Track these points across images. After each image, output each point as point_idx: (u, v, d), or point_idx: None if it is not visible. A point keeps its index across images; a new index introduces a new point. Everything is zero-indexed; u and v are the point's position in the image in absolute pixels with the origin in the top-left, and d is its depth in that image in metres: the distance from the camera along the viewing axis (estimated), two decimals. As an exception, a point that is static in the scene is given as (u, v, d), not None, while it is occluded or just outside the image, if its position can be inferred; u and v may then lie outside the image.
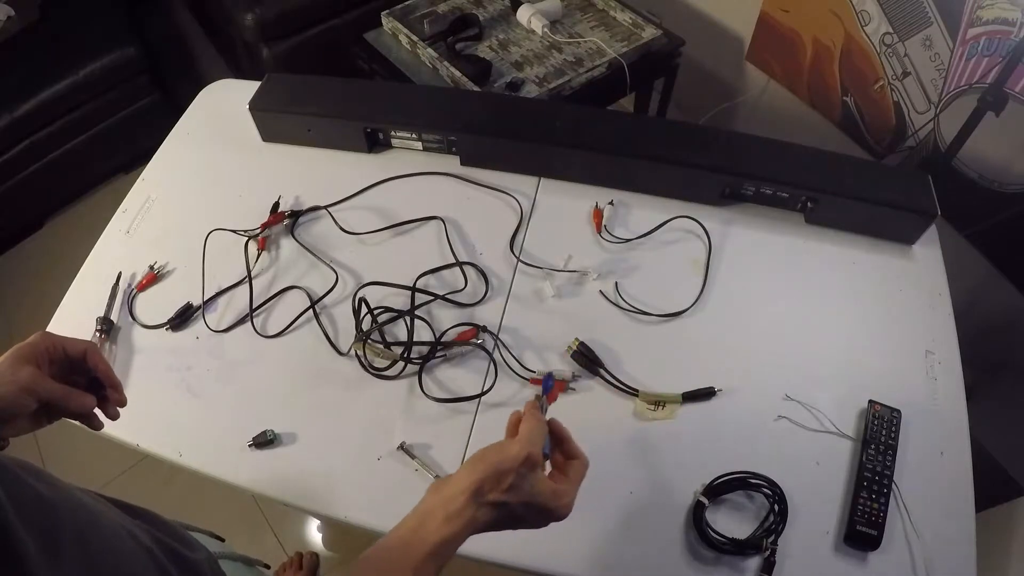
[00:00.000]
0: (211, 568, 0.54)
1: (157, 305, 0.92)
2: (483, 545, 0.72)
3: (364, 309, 0.87)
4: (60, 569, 0.33)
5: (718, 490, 0.74)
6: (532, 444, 0.52)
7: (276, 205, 1.00)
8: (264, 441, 0.79)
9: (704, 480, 0.75)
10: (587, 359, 0.84)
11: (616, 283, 0.92)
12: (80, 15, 2.02)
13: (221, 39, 2.33)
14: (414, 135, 1.05)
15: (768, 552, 0.70)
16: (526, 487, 0.51)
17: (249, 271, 0.93)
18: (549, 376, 0.67)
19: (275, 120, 1.07)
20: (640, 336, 0.88)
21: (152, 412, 0.83)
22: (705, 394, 0.82)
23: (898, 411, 0.80)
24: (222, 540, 0.73)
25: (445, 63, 1.49)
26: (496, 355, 0.85)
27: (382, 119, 1.05)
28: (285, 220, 0.98)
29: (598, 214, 0.99)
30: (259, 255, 0.96)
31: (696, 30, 1.78)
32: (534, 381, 0.83)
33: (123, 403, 0.65)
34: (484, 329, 0.87)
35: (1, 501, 0.31)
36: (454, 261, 0.94)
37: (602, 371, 0.83)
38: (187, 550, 0.51)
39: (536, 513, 0.52)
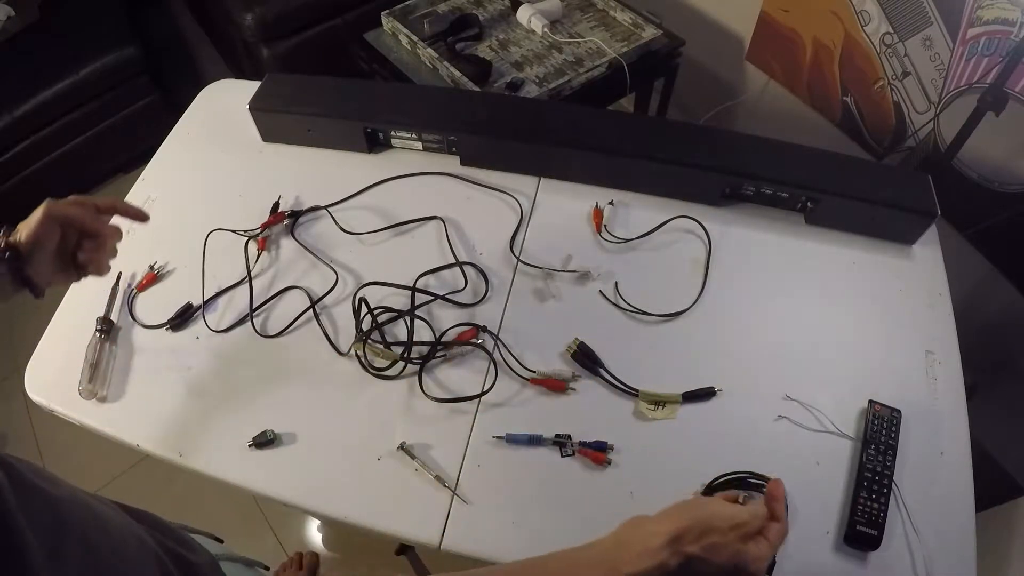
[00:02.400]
0: (213, 571, 0.54)
1: (157, 305, 0.92)
2: (484, 545, 0.73)
3: (364, 309, 0.87)
4: (63, 570, 0.33)
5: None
6: (752, 516, 0.52)
7: (276, 205, 1.00)
8: (264, 441, 0.79)
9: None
10: (587, 359, 0.84)
11: (616, 283, 0.92)
12: (80, 15, 2.02)
13: (221, 39, 2.33)
14: (414, 135, 1.05)
15: (768, 552, 0.70)
16: (728, 552, 0.49)
17: (249, 271, 0.93)
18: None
19: (275, 120, 1.07)
20: (640, 336, 0.88)
21: (152, 412, 0.83)
22: (705, 394, 0.82)
23: (898, 411, 0.80)
24: (221, 541, 0.73)
25: (445, 63, 1.49)
26: (496, 355, 0.85)
27: (382, 119, 1.05)
28: (285, 220, 0.98)
29: (598, 214, 0.99)
30: (259, 255, 0.96)
31: (696, 30, 1.78)
32: (535, 381, 0.83)
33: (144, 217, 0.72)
34: (484, 329, 0.87)
35: (8, 501, 0.32)
36: (454, 261, 0.94)
37: (602, 371, 0.83)
38: (190, 554, 0.52)
39: (720, 569, 0.51)
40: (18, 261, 0.61)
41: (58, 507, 0.36)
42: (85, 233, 0.66)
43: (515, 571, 0.50)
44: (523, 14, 1.63)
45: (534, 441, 0.78)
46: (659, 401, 0.81)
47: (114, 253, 0.70)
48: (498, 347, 0.86)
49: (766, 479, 0.74)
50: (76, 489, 0.41)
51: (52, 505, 0.35)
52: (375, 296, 0.89)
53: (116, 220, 0.70)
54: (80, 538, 0.36)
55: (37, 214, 0.63)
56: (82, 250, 0.66)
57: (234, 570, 0.67)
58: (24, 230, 0.63)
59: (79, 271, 0.68)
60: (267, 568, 0.80)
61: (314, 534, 1.60)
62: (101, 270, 0.69)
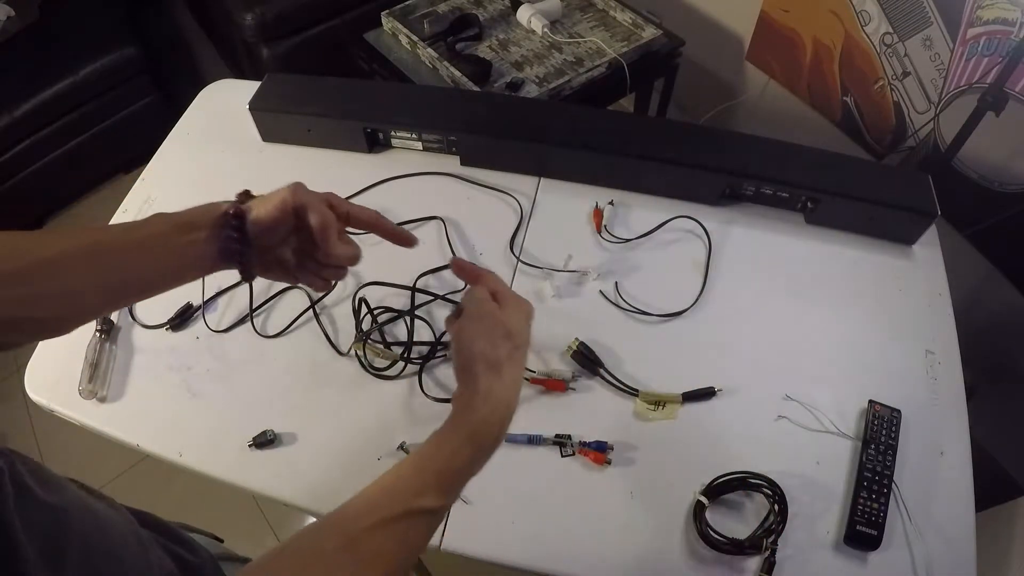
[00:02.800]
0: (213, 571, 0.54)
1: (157, 305, 0.91)
2: (484, 545, 0.73)
3: (364, 309, 0.87)
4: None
5: (718, 490, 0.74)
6: (477, 294, 0.54)
7: (276, 205, 0.99)
8: (264, 441, 0.79)
9: (704, 480, 0.75)
10: (587, 359, 0.84)
11: (616, 283, 0.92)
12: (80, 15, 2.02)
13: (221, 39, 2.33)
14: (414, 135, 1.05)
15: (768, 552, 0.70)
16: (509, 320, 0.53)
17: (249, 271, 0.93)
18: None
19: (275, 120, 1.07)
20: (640, 336, 0.88)
21: (152, 412, 0.83)
22: (705, 394, 0.82)
23: (898, 411, 0.80)
24: (221, 541, 0.73)
25: (445, 63, 1.49)
26: (496, 355, 0.85)
27: (382, 119, 1.05)
28: (285, 220, 0.98)
29: (598, 214, 0.99)
30: (259, 255, 0.96)
31: (696, 30, 1.78)
32: (534, 381, 0.83)
33: (413, 241, 0.62)
34: (484, 329, 0.87)
35: (8, 511, 0.31)
36: (454, 261, 0.94)
37: (602, 371, 0.83)
38: (190, 554, 0.51)
39: (525, 326, 0.55)
40: (240, 232, 0.52)
41: (59, 514, 0.36)
42: (317, 244, 0.56)
43: (384, 478, 0.49)
44: (523, 14, 1.63)
45: (534, 441, 0.78)
46: (659, 401, 0.81)
47: (342, 275, 0.61)
48: (498, 347, 0.86)
49: (766, 479, 0.74)
50: (79, 491, 0.41)
51: (53, 512, 0.35)
52: (375, 296, 0.89)
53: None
54: (80, 546, 0.36)
55: (277, 196, 0.54)
56: (312, 261, 0.58)
57: (234, 570, 0.67)
58: (258, 207, 0.53)
59: (298, 278, 0.59)
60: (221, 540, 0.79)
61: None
62: (316, 286, 0.60)
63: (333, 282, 0.62)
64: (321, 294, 0.91)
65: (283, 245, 0.57)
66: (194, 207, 0.53)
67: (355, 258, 0.58)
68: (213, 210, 0.52)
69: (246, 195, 0.55)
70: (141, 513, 0.52)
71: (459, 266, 0.58)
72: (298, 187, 0.55)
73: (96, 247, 0.48)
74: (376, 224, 0.59)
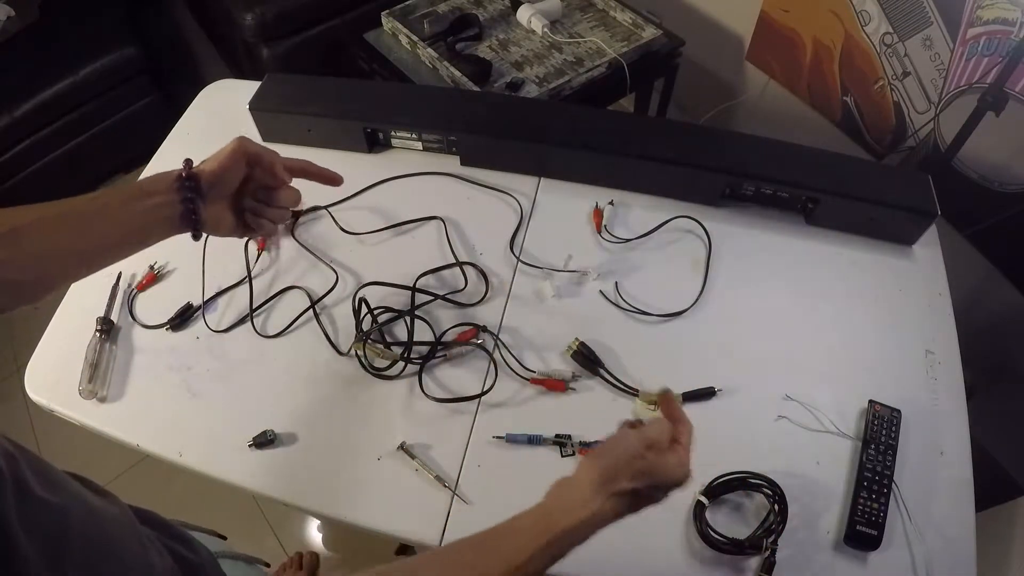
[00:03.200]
0: (213, 570, 0.54)
1: (157, 305, 0.92)
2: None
3: (364, 309, 0.87)
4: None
5: (718, 490, 0.74)
6: (659, 432, 0.53)
7: (276, 205, 1.00)
8: (264, 441, 0.79)
9: (704, 480, 0.75)
10: (587, 359, 0.84)
11: (616, 283, 0.92)
12: (80, 15, 2.02)
13: (221, 39, 2.33)
14: (414, 135, 1.05)
15: (768, 552, 0.70)
16: (654, 471, 0.51)
17: (249, 271, 0.93)
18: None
19: (275, 120, 1.07)
20: (640, 336, 0.88)
21: (152, 412, 0.83)
22: (705, 394, 0.82)
23: (898, 411, 0.80)
24: (224, 538, 0.73)
25: (445, 63, 1.49)
26: (496, 355, 0.85)
27: (382, 119, 1.05)
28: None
29: (598, 214, 0.99)
30: (259, 255, 0.96)
31: (696, 30, 1.78)
32: (534, 381, 0.83)
33: (339, 180, 0.69)
34: (484, 329, 0.87)
35: (8, 511, 0.31)
36: (454, 261, 0.94)
37: (602, 371, 0.83)
38: (189, 552, 0.52)
39: (663, 490, 0.53)
40: (194, 192, 0.59)
41: (60, 513, 0.36)
42: (267, 186, 0.64)
43: (457, 551, 0.50)
44: (523, 14, 1.63)
45: (534, 441, 0.78)
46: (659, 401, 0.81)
47: (286, 217, 0.68)
48: (498, 347, 0.86)
49: (766, 479, 0.74)
50: (81, 489, 0.41)
51: (54, 511, 0.35)
52: (375, 296, 0.89)
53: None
54: (80, 545, 0.36)
55: (227, 148, 0.61)
56: (258, 205, 0.65)
57: (234, 567, 0.67)
58: (210, 163, 0.60)
59: (246, 229, 0.66)
60: (267, 565, 0.80)
61: (314, 534, 1.60)
62: (267, 230, 0.67)
63: (279, 225, 0.69)
64: (322, 294, 0.91)
65: (231, 198, 0.64)
66: (148, 176, 0.60)
67: (298, 199, 0.67)
68: (166, 176, 0.59)
69: (190, 162, 0.61)
70: (142, 511, 0.52)
71: (667, 400, 0.59)
72: (244, 138, 0.62)
73: (64, 215, 0.54)
74: (307, 169, 0.67)
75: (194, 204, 0.59)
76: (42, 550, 0.32)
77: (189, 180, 0.59)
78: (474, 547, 0.49)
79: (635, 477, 0.50)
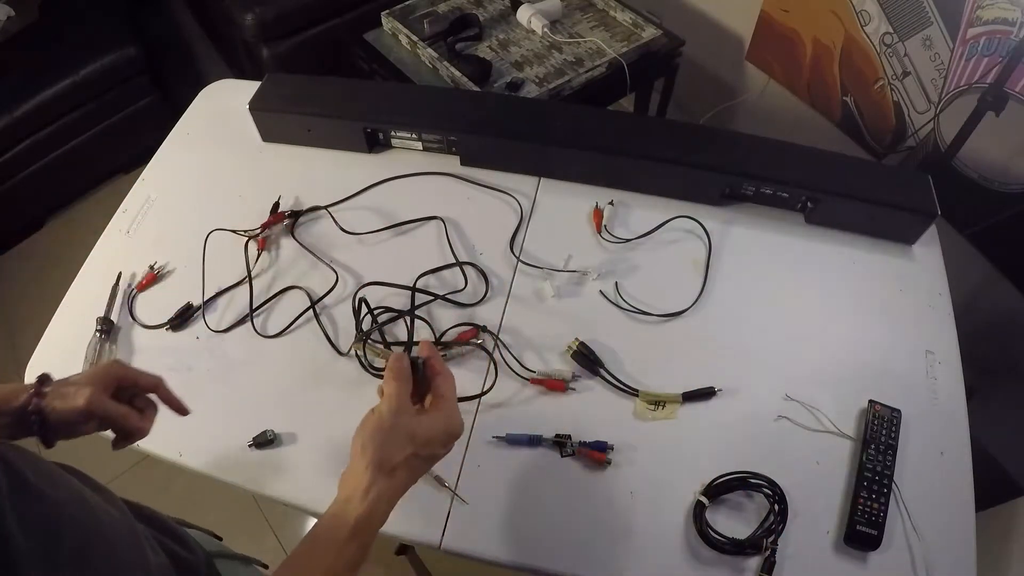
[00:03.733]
0: (208, 569, 0.54)
1: (157, 305, 0.91)
2: (484, 545, 0.73)
3: (364, 309, 0.87)
4: (54, 570, 0.33)
5: (718, 490, 0.74)
6: (393, 398, 0.55)
7: (276, 205, 1.00)
8: (264, 441, 0.79)
9: (704, 480, 0.75)
10: (587, 359, 0.84)
11: (616, 283, 0.92)
12: (80, 15, 2.02)
13: (221, 39, 2.33)
14: (414, 135, 1.05)
15: (768, 552, 0.70)
16: (411, 432, 0.54)
17: (249, 271, 0.93)
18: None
19: (275, 120, 1.07)
20: (640, 336, 0.88)
21: (152, 412, 0.83)
22: (705, 394, 0.82)
23: (898, 411, 0.80)
24: (219, 539, 0.73)
25: (445, 63, 1.49)
26: (496, 355, 0.85)
27: (382, 119, 1.05)
28: (285, 220, 0.98)
29: (598, 214, 0.99)
30: (259, 255, 0.96)
31: (696, 30, 1.78)
32: (534, 381, 0.83)
33: (185, 412, 0.66)
34: (484, 329, 0.87)
35: (2, 505, 0.31)
36: (454, 261, 0.94)
37: (602, 371, 0.83)
38: (185, 551, 0.52)
39: (439, 445, 0.56)
40: (40, 427, 0.55)
41: (55, 507, 0.36)
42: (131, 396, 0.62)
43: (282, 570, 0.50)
44: (523, 14, 1.63)
45: (534, 441, 0.78)
46: (659, 401, 0.81)
47: (142, 435, 0.61)
48: (498, 347, 0.86)
49: (766, 479, 0.74)
50: (77, 484, 0.41)
51: (49, 505, 0.35)
52: (375, 296, 0.89)
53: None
54: (75, 539, 0.36)
55: (79, 397, 0.55)
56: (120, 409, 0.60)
57: (230, 567, 0.67)
58: (59, 404, 0.55)
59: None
60: (266, 566, 0.80)
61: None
62: (118, 445, 0.63)
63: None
64: (322, 294, 0.91)
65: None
66: (4, 386, 0.56)
67: (145, 432, 0.61)
68: (13, 399, 0.54)
69: (44, 380, 0.57)
70: (138, 507, 0.52)
71: (429, 350, 0.61)
72: (93, 396, 0.56)
73: None
74: (158, 389, 0.63)
75: (39, 433, 0.56)
76: (37, 543, 0.32)
77: (36, 414, 0.55)
78: (289, 566, 0.50)
79: (403, 446, 0.53)
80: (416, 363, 0.59)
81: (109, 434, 0.61)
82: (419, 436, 0.54)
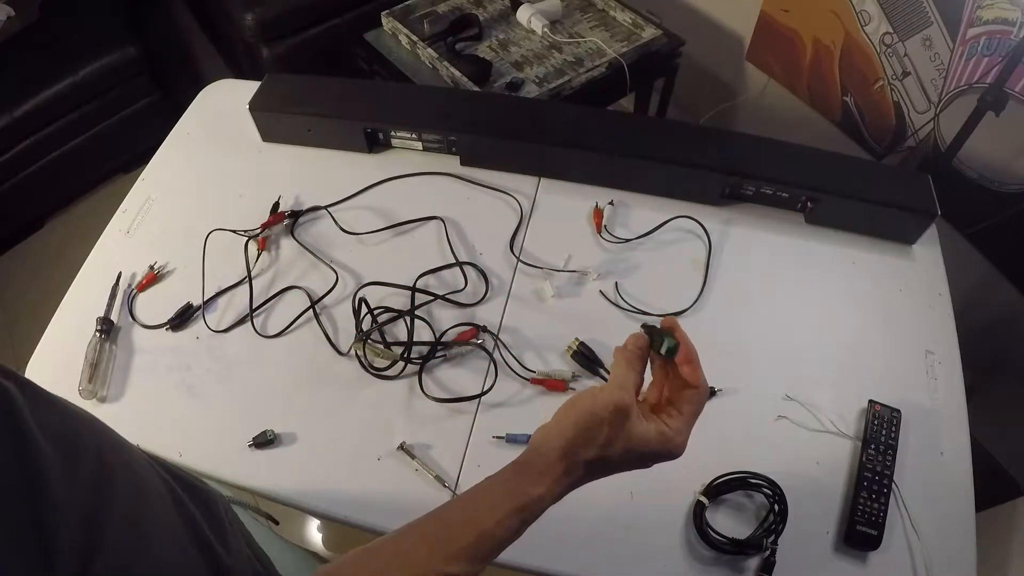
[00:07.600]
0: (221, 500, 0.52)
1: (157, 305, 0.91)
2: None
3: (364, 309, 0.87)
4: (78, 477, 0.32)
5: (718, 490, 0.74)
6: (622, 390, 0.49)
7: (276, 205, 1.00)
8: (264, 441, 0.79)
9: (704, 480, 0.75)
10: (587, 359, 0.84)
11: (616, 283, 0.92)
12: (80, 15, 2.02)
13: (221, 39, 2.33)
14: (414, 135, 1.05)
15: (768, 552, 0.70)
16: (623, 437, 0.48)
17: (249, 271, 0.93)
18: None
19: (275, 120, 1.07)
20: (640, 336, 0.88)
21: (152, 412, 0.83)
22: (705, 394, 0.82)
23: (898, 411, 0.80)
24: (276, 523, 0.70)
25: (445, 63, 1.49)
26: (496, 355, 0.85)
27: (382, 119, 1.05)
28: (285, 220, 0.98)
29: (598, 214, 0.99)
30: (259, 255, 0.96)
31: (696, 30, 1.78)
32: (534, 381, 0.83)
33: None
34: (484, 329, 0.87)
35: (22, 411, 0.31)
36: (454, 261, 0.94)
37: (602, 371, 0.83)
38: (197, 482, 0.50)
39: (637, 459, 0.50)
40: None
41: (72, 420, 0.35)
42: None
43: (425, 524, 0.48)
44: (523, 14, 1.63)
45: (534, 441, 0.78)
46: (659, 401, 0.81)
47: None
48: (498, 347, 0.86)
49: (766, 479, 0.74)
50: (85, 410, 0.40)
51: (66, 417, 0.35)
52: (375, 296, 0.89)
53: None
54: (95, 452, 0.35)
55: None
56: None
57: (244, 516, 0.64)
58: None
59: None
60: (277, 522, 0.77)
61: (314, 534, 1.60)
62: None
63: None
64: (322, 294, 0.91)
65: None
66: None
67: None
68: None
69: None
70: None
71: (688, 357, 0.55)
72: None
73: None
74: None
75: None
76: (56, 449, 0.31)
77: None
78: (441, 518, 0.48)
79: (602, 446, 0.48)
80: (658, 338, 0.51)
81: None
82: (629, 442, 0.48)
